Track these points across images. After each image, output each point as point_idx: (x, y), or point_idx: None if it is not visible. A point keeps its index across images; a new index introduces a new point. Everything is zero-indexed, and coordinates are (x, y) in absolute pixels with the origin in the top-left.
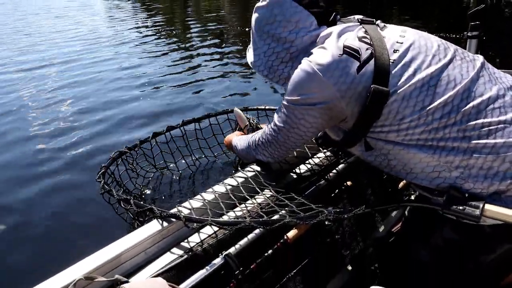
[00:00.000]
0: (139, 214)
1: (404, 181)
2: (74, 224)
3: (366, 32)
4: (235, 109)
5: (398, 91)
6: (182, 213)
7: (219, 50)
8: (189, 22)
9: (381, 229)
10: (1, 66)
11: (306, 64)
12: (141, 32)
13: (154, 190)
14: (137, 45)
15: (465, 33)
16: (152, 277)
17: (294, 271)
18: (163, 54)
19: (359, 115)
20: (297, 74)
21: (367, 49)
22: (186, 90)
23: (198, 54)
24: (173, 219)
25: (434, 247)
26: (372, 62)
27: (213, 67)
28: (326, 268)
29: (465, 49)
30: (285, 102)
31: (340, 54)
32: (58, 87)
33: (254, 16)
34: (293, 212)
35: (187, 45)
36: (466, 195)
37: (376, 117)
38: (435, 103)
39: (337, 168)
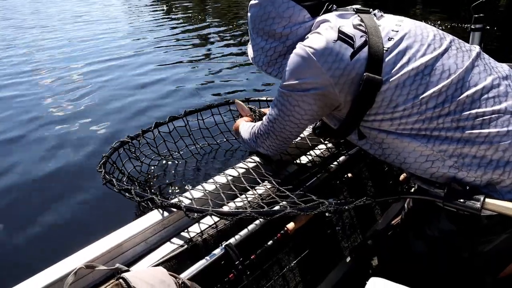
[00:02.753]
0: (140, 203)
1: (405, 174)
2: (76, 213)
3: (361, 20)
4: (236, 101)
5: (391, 79)
6: (182, 203)
7: (231, 41)
8: (206, 12)
9: (381, 221)
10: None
11: (300, 49)
12: (156, 23)
13: (158, 178)
14: (152, 35)
15: (468, 25)
16: (153, 266)
17: (294, 262)
18: (176, 45)
19: (353, 103)
20: (291, 59)
21: (361, 36)
22: (195, 80)
23: (211, 45)
24: (174, 209)
25: (432, 238)
26: (365, 49)
27: (224, 57)
28: (326, 259)
29: (468, 41)
30: (280, 89)
31: (334, 40)
32: (73, 73)
33: (249, 14)
34: (294, 203)
35: (200, 38)
36: (467, 187)
37: (369, 105)
38: (429, 92)
39: (338, 160)
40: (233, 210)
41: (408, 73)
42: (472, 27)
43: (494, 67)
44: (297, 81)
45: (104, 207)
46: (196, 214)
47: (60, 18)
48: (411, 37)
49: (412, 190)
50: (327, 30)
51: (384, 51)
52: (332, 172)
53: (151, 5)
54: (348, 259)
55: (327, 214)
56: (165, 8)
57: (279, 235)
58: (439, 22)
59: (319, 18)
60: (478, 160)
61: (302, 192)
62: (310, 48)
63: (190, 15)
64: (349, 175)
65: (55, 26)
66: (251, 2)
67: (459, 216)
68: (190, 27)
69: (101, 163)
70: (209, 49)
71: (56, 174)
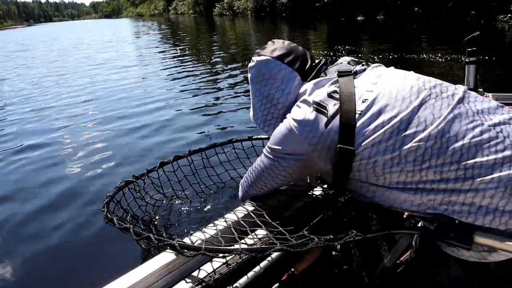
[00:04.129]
0: (138, 242)
1: None
2: (81, 257)
3: (338, 86)
4: None
5: (367, 141)
6: (177, 242)
7: (238, 78)
8: (214, 49)
9: (389, 258)
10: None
11: (286, 121)
12: (165, 58)
13: (163, 219)
14: (160, 71)
15: (463, 58)
16: None
17: None
18: (183, 81)
19: (333, 169)
20: (278, 129)
21: (334, 104)
22: (202, 118)
23: (218, 83)
24: (171, 250)
25: (440, 284)
26: (338, 117)
27: (231, 94)
28: None
29: (464, 74)
30: (266, 148)
31: (311, 111)
32: (82, 112)
33: (248, 75)
34: (286, 240)
35: (207, 78)
36: (457, 221)
37: (347, 173)
38: (406, 146)
39: (340, 199)
40: (225, 248)
41: (383, 133)
42: (467, 60)
43: (479, 110)
44: (279, 147)
45: (108, 251)
46: (191, 252)
47: (76, 65)
48: (385, 95)
49: (419, 224)
50: (305, 102)
51: (357, 114)
52: (335, 212)
53: (162, 51)
54: None
55: (333, 253)
56: (178, 51)
57: (285, 276)
58: (439, 54)
59: (301, 90)
60: (468, 207)
61: (301, 234)
62: (292, 120)
63: (200, 56)
64: (353, 213)
65: (73, 73)
66: (249, 64)
67: (468, 263)
68: (200, 70)
69: (105, 202)
70: (215, 91)
71: (62, 215)
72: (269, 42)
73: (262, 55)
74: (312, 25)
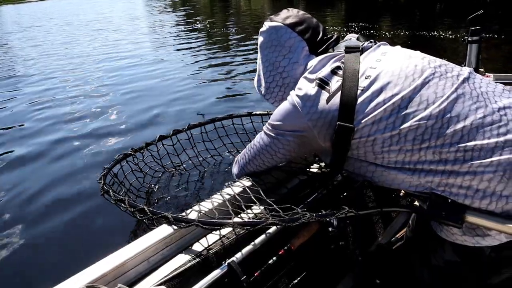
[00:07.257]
0: (133, 214)
1: None
2: (77, 231)
3: (343, 62)
4: None
5: (367, 118)
6: (170, 213)
7: (248, 55)
8: (228, 23)
9: (385, 235)
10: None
11: (289, 97)
12: (179, 33)
13: (160, 191)
14: (174, 47)
15: (466, 37)
16: (156, 286)
17: (298, 278)
18: (194, 55)
19: (332, 147)
20: (280, 106)
21: (337, 81)
22: (207, 92)
23: (227, 61)
24: (167, 223)
25: (436, 267)
26: (339, 94)
27: (241, 71)
28: (329, 276)
29: (466, 53)
30: (266, 125)
31: (313, 87)
32: (89, 88)
33: (259, 40)
34: (279, 216)
35: (215, 54)
36: (449, 200)
37: (346, 150)
38: (406, 125)
39: (337, 177)
40: (218, 221)
41: (384, 110)
42: (469, 39)
43: (484, 92)
44: (280, 123)
45: (107, 224)
46: (184, 224)
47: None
48: (388, 73)
49: (417, 203)
50: (308, 77)
51: (359, 90)
52: (333, 189)
53: (179, 29)
54: (351, 275)
55: (330, 229)
56: (199, 26)
57: (282, 251)
58: (458, 35)
59: (308, 65)
60: (465, 191)
61: (295, 210)
62: (295, 95)
63: (214, 32)
64: (350, 191)
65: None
66: (261, 29)
67: (462, 247)
68: (212, 46)
69: (102, 174)
70: (221, 67)
71: (61, 189)
72: (284, 10)
73: (274, 21)
74: (330, 5)
